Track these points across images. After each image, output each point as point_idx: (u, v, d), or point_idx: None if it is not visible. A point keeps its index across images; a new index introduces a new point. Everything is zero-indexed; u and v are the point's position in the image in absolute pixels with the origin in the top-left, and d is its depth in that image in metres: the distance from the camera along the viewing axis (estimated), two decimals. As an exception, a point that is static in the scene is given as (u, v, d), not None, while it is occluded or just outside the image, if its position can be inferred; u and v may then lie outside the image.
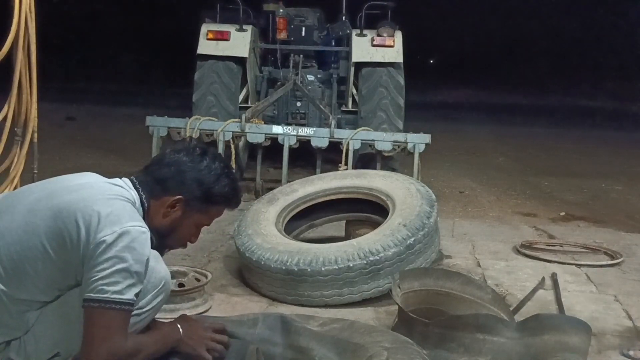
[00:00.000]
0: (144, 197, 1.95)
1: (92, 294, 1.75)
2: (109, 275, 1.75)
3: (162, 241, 2.01)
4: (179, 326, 2.03)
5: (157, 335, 2.00)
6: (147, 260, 1.82)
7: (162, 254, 2.04)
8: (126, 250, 1.76)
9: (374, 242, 3.08)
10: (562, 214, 5.69)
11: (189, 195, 1.97)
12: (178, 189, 1.97)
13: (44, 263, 1.81)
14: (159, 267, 2.00)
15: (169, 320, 2.16)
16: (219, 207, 2.06)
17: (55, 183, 1.97)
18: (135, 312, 1.88)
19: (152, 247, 1.94)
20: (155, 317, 2.41)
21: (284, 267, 3.03)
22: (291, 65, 6.98)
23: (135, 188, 1.96)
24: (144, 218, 1.94)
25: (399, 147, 5.46)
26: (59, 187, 1.92)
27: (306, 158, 6.42)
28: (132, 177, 2.00)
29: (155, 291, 1.96)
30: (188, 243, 2.10)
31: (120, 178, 2.01)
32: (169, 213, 1.98)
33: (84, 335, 1.77)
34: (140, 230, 1.81)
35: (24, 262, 1.81)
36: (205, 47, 6.76)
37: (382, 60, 6.75)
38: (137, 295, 1.80)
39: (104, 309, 1.74)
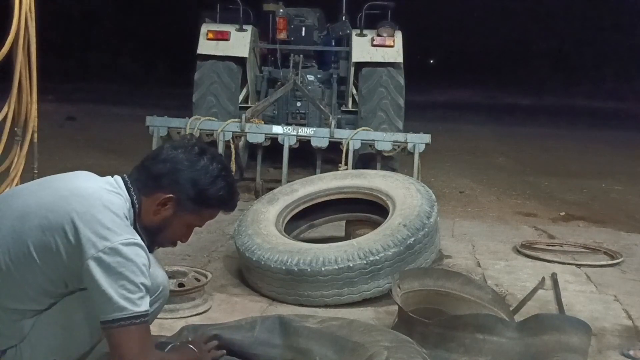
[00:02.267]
0: (135, 197, 1.90)
1: (109, 315, 1.72)
2: (116, 293, 1.71)
3: (151, 239, 1.96)
4: (192, 347, 2.07)
5: (177, 354, 2.03)
6: (147, 268, 1.79)
7: (151, 251, 2.01)
8: (122, 265, 1.72)
9: (374, 242, 3.08)
10: (562, 214, 5.69)
11: (181, 194, 1.91)
12: (171, 187, 1.90)
13: (33, 272, 1.77)
14: (157, 272, 1.99)
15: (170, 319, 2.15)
16: (212, 210, 2.00)
17: (45, 186, 1.90)
18: None
19: (145, 245, 1.92)
20: (156, 318, 2.42)
21: (284, 267, 3.03)
22: (291, 65, 6.98)
23: (127, 188, 1.91)
24: (135, 220, 1.90)
25: (399, 147, 5.47)
26: (49, 192, 1.85)
27: (306, 158, 6.42)
28: (123, 176, 1.94)
29: (153, 297, 1.95)
30: (178, 242, 2.05)
31: (112, 176, 1.95)
32: (159, 211, 1.92)
33: (112, 358, 1.75)
34: (131, 242, 1.76)
35: (13, 271, 1.77)
36: (205, 47, 6.76)
37: (382, 60, 6.75)
38: (148, 303, 1.77)
39: (124, 326, 1.72)
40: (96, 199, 1.82)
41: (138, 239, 1.80)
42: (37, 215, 1.78)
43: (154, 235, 1.96)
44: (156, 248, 2.05)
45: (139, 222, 1.92)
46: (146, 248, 1.82)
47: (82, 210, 1.77)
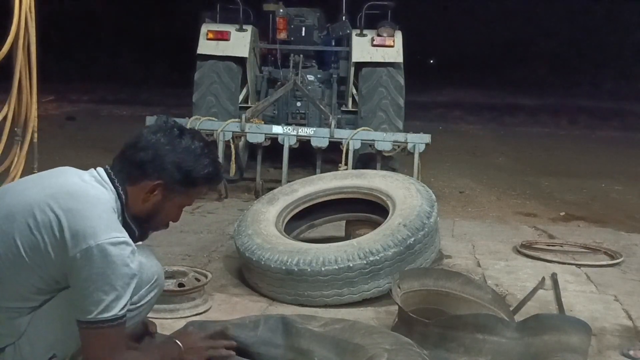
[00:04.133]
0: (120, 188, 1.89)
1: (81, 317, 1.74)
2: (91, 294, 1.72)
3: (143, 226, 1.96)
4: (177, 342, 1.99)
5: (156, 352, 1.98)
6: (130, 268, 1.77)
7: (145, 237, 2.01)
8: (104, 265, 1.72)
9: (374, 242, 3.07)
10: (562, 214, 5.69)
11: (168, 179, 1.90)
12: (157, 173, 1.89)
13: (24, 271, 1.77)
14: (151, 262, 2.00)
15: (170, 320, 2.15)
16: (200, 188, 2.01)
17: (31, 184, 1.88)
18: (128, 307, 1.87)
19: (135, 236, 1.92)
20: (156, 318, 2.42)
21: (284, 267, 3.02)
22: (291, 65, 6.98)
23: (111, 180, 1.90)
24: (123, 211, 1.90)
25: (399, 147, 5.48)
26: (35, 190, 1.84)
27: (306, 158, 6.42)
28: (106, 167, 1.93)
29: (148, 286, 1.96)
30: (170, 223, 2.04)
31: (95, 169, 1.94)
32: (149, 198, 1.92)
33: (82, 356, 1.78)
34: (117, 241, 1.75)
35: (4, 270, 1.77)
36: (205, 47, 6.77)
37: (382, 60, 6.76)
38: (125, 306, 1.77)
39: (93, 329, 1.73)
40: (83, 195, 1.81)
41: (124, 236, 1.79)
42: (24, 215, 1.78)
43: (145, 222, 1.96)
44: (150, 232, 2.04)
45: (127, 213, 1.91)
46: (132, 243, 1.81)
47: (69, 207, 1.77)
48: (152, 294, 1.99)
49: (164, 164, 1.90)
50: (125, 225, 1.87)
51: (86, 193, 1.82)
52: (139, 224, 1.95)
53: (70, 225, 1.74)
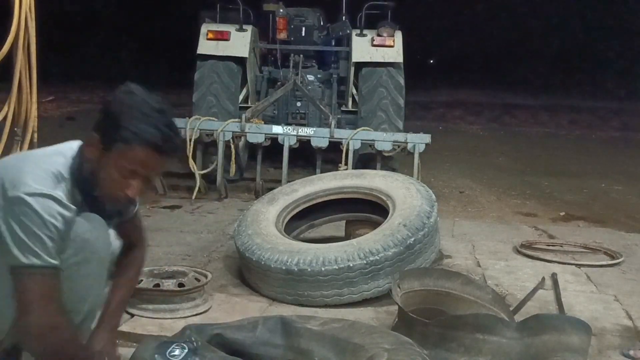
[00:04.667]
0: (78, 153, 1.89)
1: (14, 262, 1.73)
2: (20, 241, 1.72)
3: (94, 194, 1.90)
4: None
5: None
6: (57, 220, 1.76)
7: (107, 213, 1.95)
8: (28, 214, 1.72)
9: (374, 242, 3.08)
10: (562, 214, 5.69)
11: (105, 131, 1.83)
12: (98, 126, 1.85)
13: None
14: (83, 226, 1.89)
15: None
16: (134, 147, 1.81)
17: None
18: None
19: (94, 208, 1.91)
20: (156, 318, 2.40)
21: (284, 267, 3.03)
22: (291, 65, 6.99)
23: (79, 149, 1.90)
24: (76, 177, 1.86)
25: (399, 147, 5.48)
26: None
27: (306, 158, 6.43)
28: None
29: (72, 249, 1.86)
30: (135, 201, 1.97)
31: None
32: (89, 154, 1.87)
33: (17, 307, 1.76)
34: (42, 193, 1.75)
35: None
36: (205, 47, 6.76)
37: (382, 60, 6.75)
38: (57, 258, 1.76)
39: (25, 275, 1.73)
40: (29, 156, 1.88)
41: (53, 192, 1.78)
42: None
43: (94, 187, 1.89)
44: (109, 207, 1.96)
45: (79, 177, 1.87)
46: (64, 202, 1.79)
47: (11, 164, 1.84)
48: (76, 259, 1.87)
49: (105, 117, 1.86)
50: (72, 194, 1.85)
51: (34, 155, 1.89)
52: (89, 190, 1.89)
53: (1, 178, 1.78)
